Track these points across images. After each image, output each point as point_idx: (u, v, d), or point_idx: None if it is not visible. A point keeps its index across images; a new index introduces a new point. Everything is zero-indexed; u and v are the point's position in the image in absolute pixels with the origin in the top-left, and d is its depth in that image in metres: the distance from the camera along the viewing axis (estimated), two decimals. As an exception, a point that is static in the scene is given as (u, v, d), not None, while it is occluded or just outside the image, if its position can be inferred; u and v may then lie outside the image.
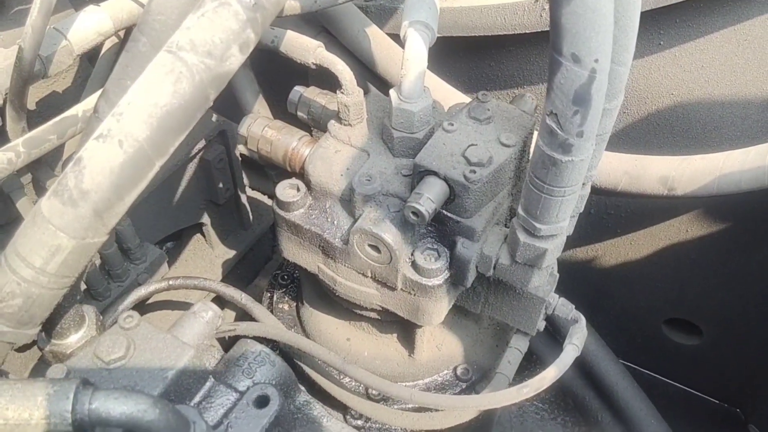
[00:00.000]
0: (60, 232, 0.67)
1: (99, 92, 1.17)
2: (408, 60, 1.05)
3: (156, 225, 1.59)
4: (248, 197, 1.86)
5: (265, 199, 1.94)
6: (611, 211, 1.71)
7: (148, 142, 0.67)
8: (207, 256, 1.86)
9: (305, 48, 1.16)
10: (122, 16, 1.22)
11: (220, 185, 1.68)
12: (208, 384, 0.83)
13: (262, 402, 0.83)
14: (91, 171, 0.66)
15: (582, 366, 1.89)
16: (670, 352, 1.90)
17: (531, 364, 1.92)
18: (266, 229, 1.93)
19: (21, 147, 1.06)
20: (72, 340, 0.87)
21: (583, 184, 1.14)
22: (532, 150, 1.01)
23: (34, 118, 1.13)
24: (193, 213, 1.71)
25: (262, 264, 2.01)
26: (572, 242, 1.75)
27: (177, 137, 0.70)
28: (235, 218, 1.85)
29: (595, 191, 1.43)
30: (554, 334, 1.88)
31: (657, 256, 1.72)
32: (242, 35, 0.70)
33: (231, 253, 1.87)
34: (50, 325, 0.85)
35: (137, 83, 0.68)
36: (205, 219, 1.76)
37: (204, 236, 1.83)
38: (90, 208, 0.67)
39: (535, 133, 1.02)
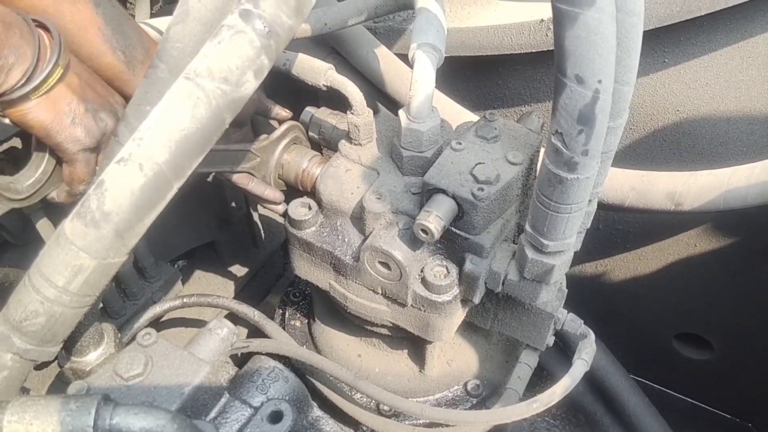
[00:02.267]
0: (82, 253, 0.70)
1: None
2: (416, 81, 1.07)
3: (170, 244, 1.62)
4: (260, 215, 1.89)
5: (276, 216, 1.96)
6: (619, 227, 1.72)
7: (167, 165, 0.70)
8: (219, 273, 1.89)
9: (316, 70, 1.19)
10: (138, 42, 1.26)
11: (233, 204, 1.71)
12: (223, 400, 0.85)
13: (275, 417, 0.84)
14: (113, 193, 0.69)
15: (592, 381, 1.89)
16: (681, 367, 1.89)
17: (541, 380, 1.92)
18: (278, 246, 1.96)
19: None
20: (91, 357, 0.89)
21: (590, 200, 1.16)
22: (538, 168, 1.03)
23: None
24: (206, 232, 1.73)
25: (273, 281, 2.03)
26: (581, 257, 1.76)
27: (195, 160, 0.73)
28: (247, 236, 1.87)
29: (603, 207, 1.44)
30: (564, 349, 1.88)
31: (666, 270, 1.73)
32: (257, 61, 0.73)
33: (243, 271, 1.90)
34: (70, 343, 0.88)
35: (157, 109, 0.71)
36: (218, 237, 1.79)
37: (216, 254, 1.85)
38: (111, 229, 0.69)
39: (542, 151, 1.04)
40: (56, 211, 1.26)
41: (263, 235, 1.93)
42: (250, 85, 0.73)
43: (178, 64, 0.79)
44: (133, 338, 0.96)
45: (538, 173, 0.93)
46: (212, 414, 0.84)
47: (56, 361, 0.94)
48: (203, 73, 0.71)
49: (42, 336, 0.74)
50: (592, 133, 0.81)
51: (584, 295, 1.82)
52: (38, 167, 0.99)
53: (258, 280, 1.96)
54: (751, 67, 1.36)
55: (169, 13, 1.09)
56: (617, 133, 1.05)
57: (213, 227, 1.76)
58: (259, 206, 1.85)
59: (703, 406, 1.94)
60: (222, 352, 0.92)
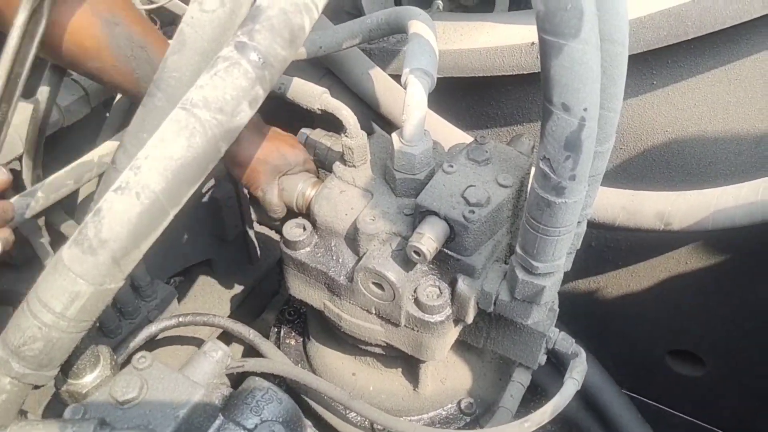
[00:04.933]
0: (80, 279, 0.71)
1: (113, 138, 1.24)
2: (409, 106, 1.10)
3: (166, 263, 1.63)
4: (256, 232, 1.91)
5: (272, 234, 1.99)
6: (611, 244, 1.74)
7: (163, 193, 0.71)
8: (215, 290, 1.89)
9: (311, 94, 1.22)
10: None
11: (229, 222, 1.72)
12: (217, 422, 0.86)
13: (270, 439, 0.85)
14: (110, 221, 0.70)
15: (586, 398, 1.90)
16: (674, 383, 1.91)
17: (536, 396, 1.93)
18: (273, 263, 1.97)
19: (40, 192, 1.11)
20: (87, 379, 0.90)
21: (579, 222, 1.18)
22: (527, 190, 1.05)
23: (50, 164, 1.19)
24: (203, 250, 1.75)
25: (269, 297, 2.04)
26: (574, 275, 1.78)
27: (190, 188, 0.74)
28: (243, 253, 1.88)
29: (594, 226, 1.46)
30: (558, 365, 1.89)
31: (658, 287, 1.74)
32: (251, 92, 0.75)
33: (239, 288, 1.90)
34: (67, 366, 0.88)
35: (154, 138, 0.73)
36: (214, 255, 1.80)
37: (213, 271, 1.87)
38: (108, 256, 0.71)
39: (532, 172, 1.06)
40: (54, 232, 1.28)
41: (259, 252, 1.94)
42: (245, 114, 0.75)
43: (175, 93, 0.81)
44: (129, 359, 0.98)
45: (527, 196, 0.95)
46: (207, 436, 0.85)
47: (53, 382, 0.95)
48: (199, 103, 0.73)
49: (40, 361, 0.75)
50: (578, 158, 0.83)
51: (577, 311, 1.83)
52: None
53: (254, 296, 1.96)
54: (738, 89, 1.39)
55: (167, 36, 1.11)
56: (605, 157, 1.07)
57: (209, 245, 1.77)
58: (255, 224, 1.86)
59: (696, 422, 1.95)
60: (216, 374, 0.94)
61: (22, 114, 1.11)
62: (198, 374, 0.92)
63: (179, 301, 1.71)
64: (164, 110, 0.80)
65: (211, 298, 1.88)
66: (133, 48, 0.99)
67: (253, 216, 1.88)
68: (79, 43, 0.96)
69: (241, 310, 1.91)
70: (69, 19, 0.93)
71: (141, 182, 0.71)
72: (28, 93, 1.15)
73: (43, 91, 1.07)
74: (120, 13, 0.97)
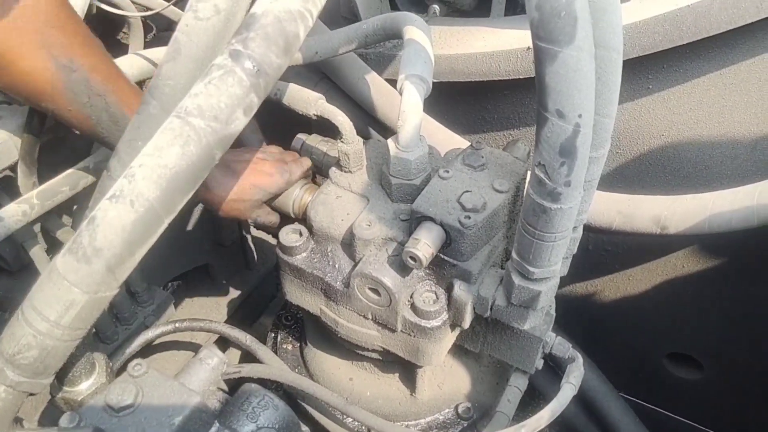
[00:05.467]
0: (74, 288, 0.71)
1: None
2: (405, 112, 1.10)
3: (163, 268, 1.63)
4: (252, 237, 1.91)
5: (269, 238, 1.99)
6: (608, 248, 1.74)
7: (158, 201, 0.71)
8: (212, 295, 1.90)
9: (306, 100, 1.22)
10: (132, 72, 1.28)
11: (226, 227, 1.72)
12: (213, 429, 0.86)
13: (265, 446, 0.85)
14: (104, 229, 0.70)
15: (584, 402, 1.90)
16: (672, 386, 1.91)
17: (534, 400, 1.92)
18: (270, 268, 1.97)
19: (35, 199, 1.11)
20: (83, 387, 0.90)
21: (575, 227, 1.18)
22: (523, 196, 1.05)
23: (45, 171, 1.19)
24: (200, 255, 1.75)
25: (266, 302, 2.04)
26: (571, 279, 1.78)
27: (185, 196, 0.74)
28: (240, 259, 1.89)
29: (590, 230, 1.46)
30: (556, 370, 1.89)
31: (655, 291, 1.75)
32: (246, 99, 0.75)
33: (236, 293, 1.91)
34: (62, 373, 0.89)
35: (148, 146, 0.73)
36: (211, 260, 1.80)
37: (210, 276, 1.87)
38: (103, 265, 0.71)
39: (528, 177, 1.06)
40: (50, 239, 1.28)
41: (256, 257, 1.94)
42: (240, 122, 0.76)
43: (169, 101, 0.81)
44: (125, 365, 0.97)
45: (523, 202, 0.95)
46: (203, 443, 0.85)
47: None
48: (194, 111, 0.73)
49: (34, 369, 0.75)
50: (573, 165, 0.83)
51: (575, 315, 1.83)
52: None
53: (251, 301, 1.96)
54: (734, 93, 1.39)
55: (163, 41, 1.11)
56: (600, 163, 1.07)
57: (206, 250, 1.77)
58: (252, 229, 1.86)
59: (694, 425, 1.95)
60: (212, 381, 0.93)
61: (16, 121, 1.11)
62: (194, 381, 0.92)
63: (176, 306, 1.72)
64: (159, 118, 0.80)
65: (208, 303, 1.88)
66: (90, 95, 0.98)
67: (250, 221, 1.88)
68: (32, 85, 0.96)
69: (237, 315, 1.91)
70: (25, 60, 0.93)
71: (135, 190, 0.71)
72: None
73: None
74: (79, 60, 0.96)
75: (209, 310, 1.87)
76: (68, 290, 0.71)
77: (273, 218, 1.27)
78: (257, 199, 1.22)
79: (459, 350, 1.32)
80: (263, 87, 0.76)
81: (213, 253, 1.79)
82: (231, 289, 1.91)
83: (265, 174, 1.22)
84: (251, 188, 1.20)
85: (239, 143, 1.26)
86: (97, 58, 1.00)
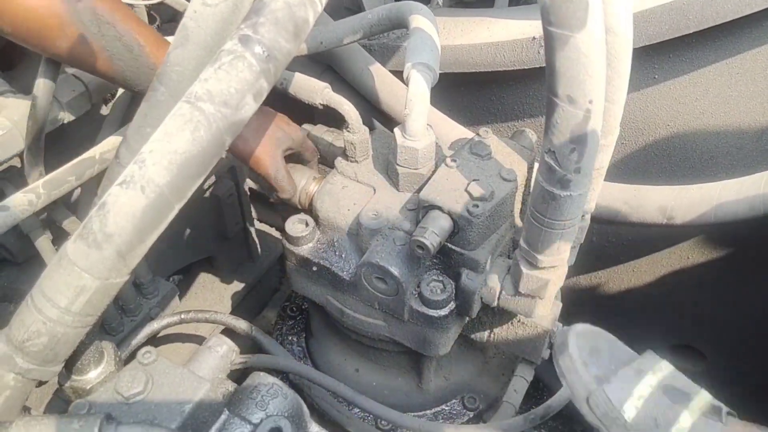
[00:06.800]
0: (85, 274, 0.71)
1: (115, 134, 1.23)
2: (411, 100, 1.09)
3: (168, 260, 1.62)
4: (257, 230, 1.90)
5: (273, 231, 1.98)
6: (613, 239, 1.74)
7: (168, 187, 0.71)
8: (216, 287, 1.89)
9: (312, 89, 1.21)
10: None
11: (230, 219, 1.71)
12: (223, 417, 0.86)
13: (275, 434, 0.85)
14: (115, 215, 0.70)
15: (589, 393, 1.90)
16: (676, 378, 1.91)
17: (539, 392, 1.93)
18: (274, 261, 1.96)
19: (41, 189, 1.10)
20: (92, 375, 0.89)
21: (583, 216, 1.18)
22: (532, 184, 1.05)
23: (51, 160, 1.18)
24: (204, 247, 1.74)
25: (270, 295, 2.04)
26: (576, 270, 1.78)
27: (195, 181, 0.74)
28: (244, 251, 1.88)
29: (597, 220, 1.46)
30: (560, 361, 1.89)
31: (659, 282, 1.74)
32: (256, 85, 0.74)
33: (240, 285, 1.90)
34: (71, 361, 0.88)
35: (158, 132, 0.72)
36: (215, 252, 1.80)
37: (214, 268, 1.86)
38: (113, 251, 0.71)
39: (536, 167, 1.06)
40: (56, 229, 1.27)
41: (260, 249, 1.94)
42: (250, 108, 0.75)
43: (178, 87, 0.80)
44: (132, 355, 0.97)
45: (531, 190, 0.94)
46: (212, 431, 0.85)
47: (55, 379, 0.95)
48: (203, 96, 0.72)
49: (44, 356, 0.75)
50: (584, 151, 0.83)
51: (579, 306, 1.83)
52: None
53: (255, 293, 1.96)
54: (739, 82, 1.39)
55: (167, 33, 1.10)
56: (608, 151, 1.07)
57: (210, 242, 1.77)
58: (255, 221, 1.86)
59: (698, 416, 1.95)
60: (222, 369, 0.93)
61: (21, 110, 1.11)
62: (203, 369, 0.92)
63: (180, 298, 1.71)
64: (167, 104, 0.80)
65: (212, 295, 1.88)
66: (100, 24, 0.97)
67: (254, 213, 1.88)
68: (40, 21, 0.94)
69: (241, 307, 1.91)
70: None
71: (146, 176, 0.70)
72: (26, 89, 1.14)
73: (40, 86, 1.07)
74: None
75: (213, 304, 1.86)
76: (79, 276, 0.70)
77: (288, 180, 1.24)
78: (280, 138, 1.22)
79: (465, 341, 1.32)
80: (273, 72, 0.75)
81: (216, 246, 1.79)
82: (234, 282, 1.90)
83: (287, 122, 1.25)
84: (277, 128, 1.21)
85: None
86: None
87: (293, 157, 1.29)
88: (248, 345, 1.44)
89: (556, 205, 0.89)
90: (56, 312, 0.72)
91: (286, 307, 1.58)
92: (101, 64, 1.01)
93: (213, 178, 1.62)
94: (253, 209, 1.85)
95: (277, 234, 1.98)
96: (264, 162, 1.19)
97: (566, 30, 0.73)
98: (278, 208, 1.42)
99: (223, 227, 1.73)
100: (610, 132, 1.02)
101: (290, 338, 1.52)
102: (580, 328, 0.95)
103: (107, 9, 0.98)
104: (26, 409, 0.86)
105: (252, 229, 1.86)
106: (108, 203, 0.70)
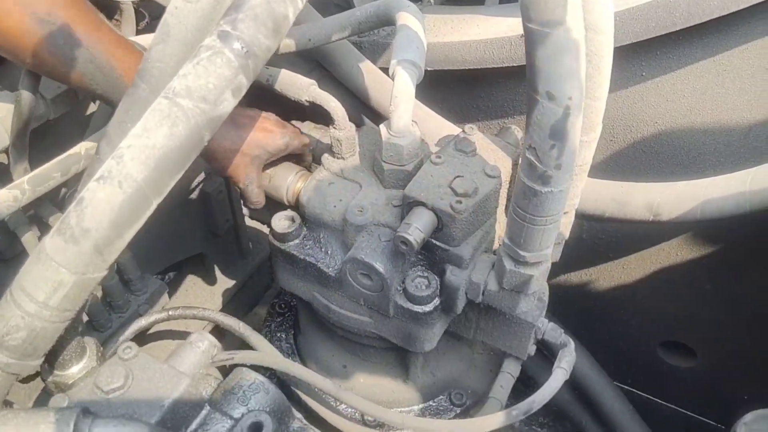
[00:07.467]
0: (62, 268, 0.71)
1: (101, 131, 1.23)
2: (396, 97, 1.10)
3: (157, 257, 1.62)
4: (247, 227, 1.90)
5: (263, 228, 1.98)
6: (602, 236, 1.74)
7: (146, 182, 0.71)
8: (207, 285, 1.90)
9: (299, 86, 1.22)
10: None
11: (220, 216, 1.72)
12: (204, 412, 0.86)
13: (256, 428, 0.85)
14: (92, 210, 0.70)
15: (578, 390, 1.91)
16: (666, 375, 1.91)
17: (528, 387, 1.93)
18: (265, 258, 1.97)
19: (26, 185, 1.10)
20: (73, 370, 0.90)
21: (566, 212, 1.18)
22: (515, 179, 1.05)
23: (36, 156, 1.18)
24: (194, 244, 1.75)
25: (261, 292, 2.04)
26: (565, 267, 1.78)
27: (173, 177, 0.74)
28: (235, 248, 1.88)
29: (584, 217, 1.46)
30: (550, 357, 1.90)
31: (649, 279, 1.75)
32: (234, 81, 0.75)
33: (231, 282, 1.91)
34: (53, 357, 0.88)
35: (136, 127, 0.72)
36: (206, 249, 1.80)
37: (204, 266, 1.86)
38: (90, 245, 0.71)
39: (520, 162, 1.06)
40: (42, 225, 1.27)
41: (251, 246, 1.94)
42: (229, 103, 0.75)
43: (158, 83, 0.81)
44: (116, 352, 0.97)
45: (514, 186, 0.95)
46: (193, 426, 0.85)
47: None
48: (182, 92, 0.72)
49: (23, 350, 0.75)
50: (564, 147, 0.83)
51: (569, 303, 1.83)
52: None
53: (246, 291, 1.96)
54: (726, 79, 1.39)
55: (155, 30, 1.10)
56: (591, 147, 1.07)
57: (200, 239, 1.77)
58: (246, 218, 1.86)
59: (687, 413, 1.96)
60: (202, 364, 0.93)
61: (6, 106, 1.11)
62: (184, 364, 0.92)
63: (170, 296, 1.71)
64: (148, 100, 0.80)
65: (202, 292, 1.88)
66: (73, 47, 0.97)
67: (245, 210, 1.88)
68: (14, 41, 0.95)
69: (232, 304, 1.91)
70: (2, 19, 0.93)
71: (123, 171, 0.71)
72: (11, 85, 1.15)
73: (25, 82, 1.07)
74: (58, 12, 0.95)
75: (203, 301, 1.87)
76: (56, 271, 0.71)
77: (261, 196, 1.25)
78: (255, 155, 1.20)
79: (452, 337, 1.32)
80: (252, 68, 0.76)
81: (207, 243, 1.79)
82: (225, 279, 1.91)
83: (266, 131, 1.22)
84: (251, 142, 1.19)
85: None
86: (78, 9, 0.99)
87: (292, 156, 1.30)
88: (238, 342, 1.45)
89: (537, 201, 0.89)
90: (34, 306, 0.72)
91: (275, 304, 1.58)
92: (75, 80, 1.02)
93: (202, 175, 1.62)
94: (243, 206, 1.85)
95: (267, 231, 1.98)
96: (237, 176, 1.21)
97: (545, 26, 0.74)
98: (267, 204, 1.42)
99: (213, 224, 1.74)
100: (592, 128, 1.02)
101: (279, 335, 1.52)
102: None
103: (82, 30, 0.98)
104: (8, 404, 0.87)
105: (243, 227, 1.86)
106: (86, 198, 0.71)
